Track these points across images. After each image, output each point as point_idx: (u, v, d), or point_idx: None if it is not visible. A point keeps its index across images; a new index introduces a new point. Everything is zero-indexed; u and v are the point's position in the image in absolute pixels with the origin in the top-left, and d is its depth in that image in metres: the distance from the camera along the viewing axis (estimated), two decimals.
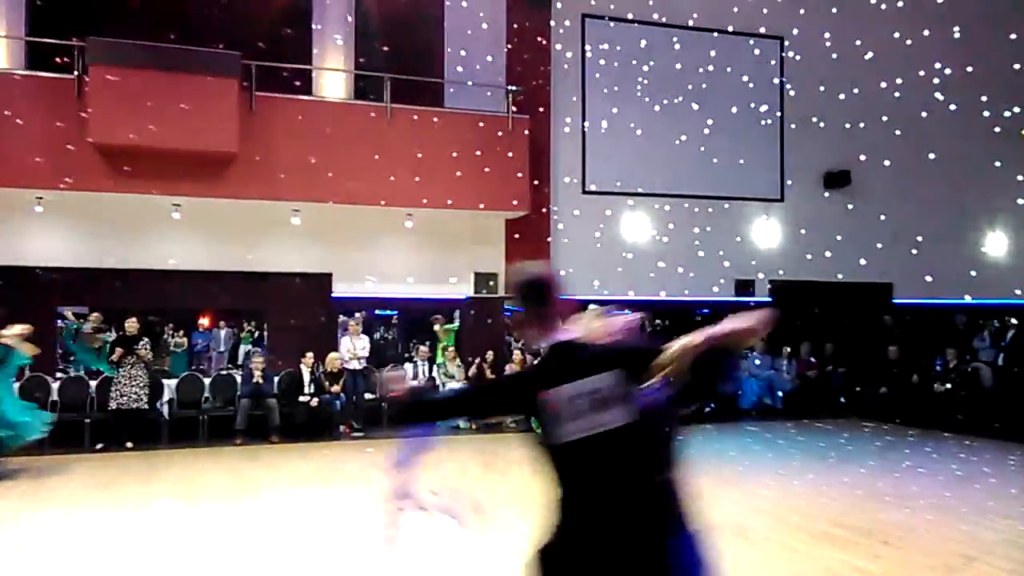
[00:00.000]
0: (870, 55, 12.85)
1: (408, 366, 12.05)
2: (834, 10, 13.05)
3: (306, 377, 10.80)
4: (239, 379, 10.93)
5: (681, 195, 13.68)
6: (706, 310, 14.31)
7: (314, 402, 10.63)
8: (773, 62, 14.33)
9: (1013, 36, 13.24)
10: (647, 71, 13.28)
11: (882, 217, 13.82)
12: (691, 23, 13.16)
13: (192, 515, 6.33)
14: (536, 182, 12.41)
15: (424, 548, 5.43)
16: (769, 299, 14.08)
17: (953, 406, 11.50)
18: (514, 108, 12.13)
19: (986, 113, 13.06)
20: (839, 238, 13.77)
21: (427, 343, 12.41)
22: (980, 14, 14.18)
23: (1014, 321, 13.31)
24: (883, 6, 12.33)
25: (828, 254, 13.37)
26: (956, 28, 12.80)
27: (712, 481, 7.44)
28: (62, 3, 11.00)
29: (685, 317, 14.16)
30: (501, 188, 11.76)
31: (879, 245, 13.75)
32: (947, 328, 13.47)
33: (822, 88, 13.46)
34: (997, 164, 13.96)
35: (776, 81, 14.27)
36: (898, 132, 13.42)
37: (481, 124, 11.73)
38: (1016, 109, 12.52)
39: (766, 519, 6.09)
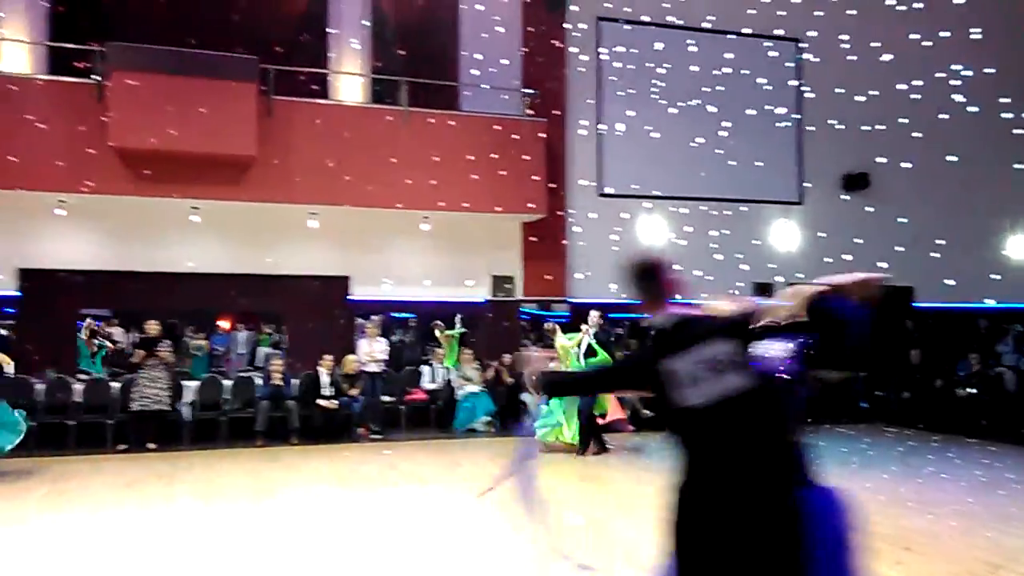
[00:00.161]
0: (888, 57, 12.76)
1: (425, 369, 12.06)
2: (851, 12, 12.99)
3: (324, 379, 10.84)
4: (259, 381, 10.99)
5: (698, 198, 13.64)
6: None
7: (332, 404, 10.67)
8: (790, 64, 14.27)
9: None
10: (663, 74, 13.25)
11: (902, 220, 13.71)
12: (707, 25, 13.13)
13: (213, 515, 6.37)
14: (552, 185, 12.42)
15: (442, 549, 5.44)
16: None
17: (976, 411, 11.38)
18: (530, 111, 12.16)
19: (1007, 115, 12.94)
20: (858, 241, 13.67)
21: (443, 346, 12.42)
22: (999, 15, 14.06)
23: None
24: (901, 7, 12.26)
25: (847, 257, 13.27)
26: (976, 29, 12.70)
27: None
28: (83, 9, 11.13)
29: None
30: (517, 191, 11.78)
31: (899, 248, 13.64)
32: (970, 332, 13.34)
33: (840, 90, 13.38)
34: (1018, 166, 13.82)
35: (793, 83, 14.20)
36: (917, 134, 13.30)
37: (497, 127, 11.75)
38: None
39: None
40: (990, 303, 13.30)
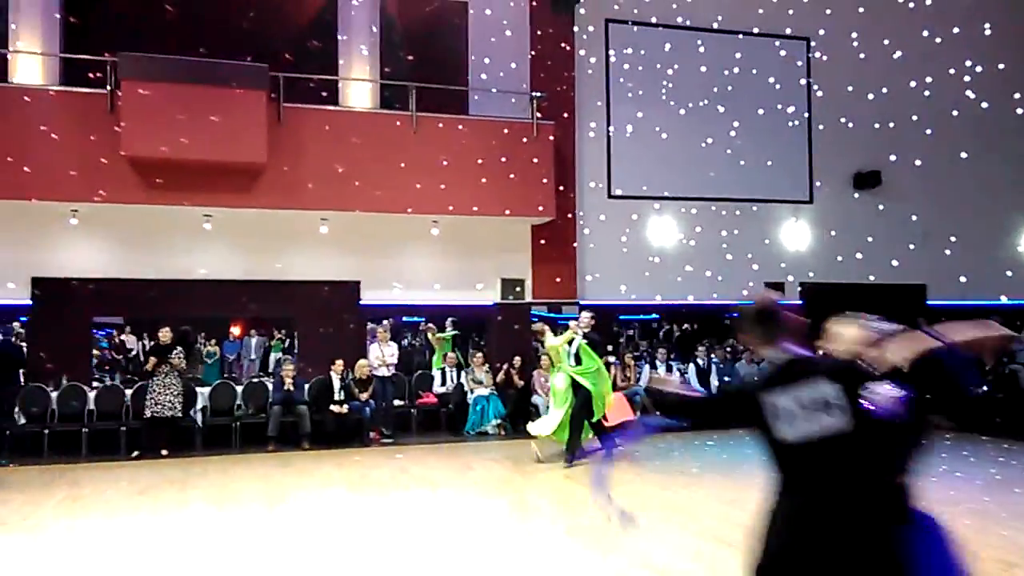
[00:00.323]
0: (898, 54, 12.68)
1: (436, 372, 12.08)
2: (861, 9, 12.90)
3: (336, 384, 10.87)
4: (270, 387, 11.04)
5: (708, 198, 13.60)
6: (735, 314, 14.20)
7: (344, 409, 10.70)
8: (800, 63, 14.21)
9: None
10: (672, 74, 13.23)
11: (914, 217, 13.62)
12: (715, 25, 13.10)
13: (227, 521, 6.40)
14: (561, 187, 12.42)
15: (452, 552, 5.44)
16: (800, 302, 13.93)
17: (991, 409, 11.27)
18: (539, 114, 12.16)
19: (1019, 110, 12.83)
20: (870, 239, 13.58)
21: (455, 350, 12.45)
22: (1010, 11, 13.96)
23: None
24: (911, 4, 12.18)
25: (859, 255, 13.20)
26: (987, 25, 12.60)
27: (746, 487, 7.37)
28: (95, 20, 11.23)
29: (714, 321, 14.07)
30: (526, 194, 11.78)
31: (911, 246, 13.55)
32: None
33: (850, 88, 13.30)
34: None
35: (803, 82, 14.15)
36: (929, 131, 13.21)
37: (506, 131, 11.76)
38: None
39: None
40: (1004, 300, 13.17)
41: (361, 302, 12.15)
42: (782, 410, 2.61)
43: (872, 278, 13.48)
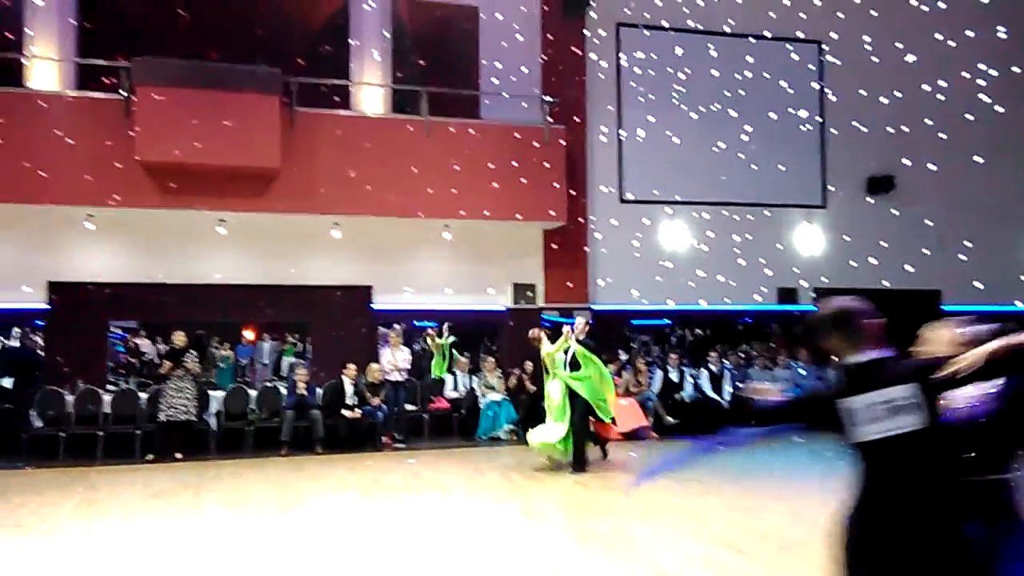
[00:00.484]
0: (912, 58, 12.63)
1: (448, 377, 12.09)
2: (873, 13, 12.86)
3: (348, 389, 10.90)
4: (284, 391, 11.08)
5: (720, 203, 13.55)
6: (748, 319, 14.16)
7: (356, 413, 10.73)
8: (812, 67, 14.15)
9: None
10: (683, 79, 13.21)
11: (928, 223, 13.53)
12: (727, 29, 13.08)
13: (240, 525, 6.43)
14: (573, 192, 12.41)
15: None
16: (814, 307, 13.86)
17: None
18: (550, 118, 12.17)
19: None
20: (884, 244, 13.50)
21: (467, 354, 12.44)
22: None
23: None
24: (925, 7, 12.12)
25: (873, 261, 13.13)
26: (1001, 28, 12.52)
27: (758, 495, 7.35)
28: (110, 26, 11.32)
29: (726, 326, 14.02)
30: (538, 198, 11.79)
31: (926, 251, 13.46)
32: (999, 335, 13.10)
33: (863, 92, 13.25)
34: None
35: (815, 86, 14.10)
36: (943, 136, 13.14)
37: (517, 135, 11.78)
38: None
39: (814, 534, 5.98)
40: (1019, 305, 13.07)
41: (373, 306, 12.18)
42: (862, 410, 2.72)
43: (886, 284, 13.39)
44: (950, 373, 2.60)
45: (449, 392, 11.99)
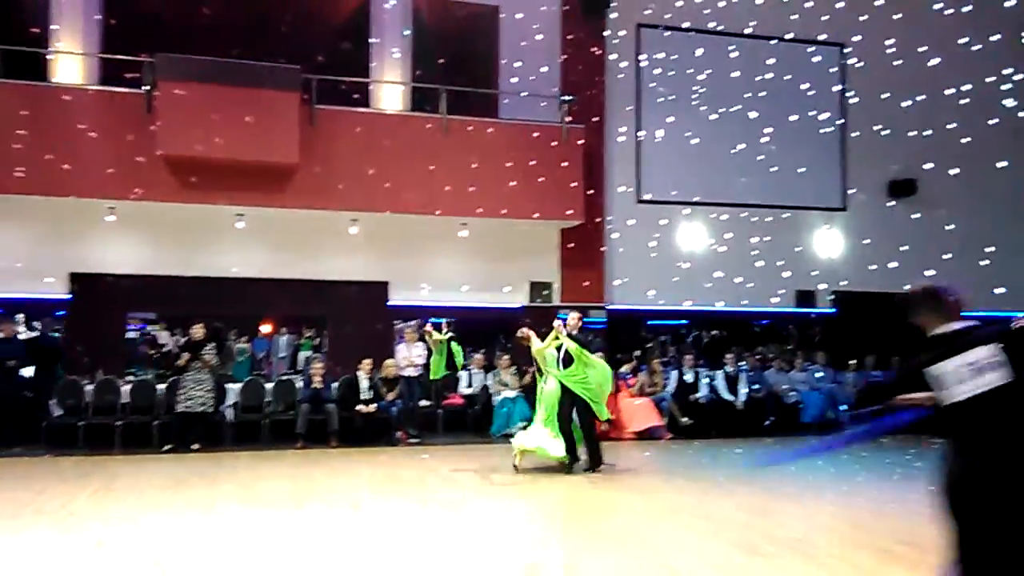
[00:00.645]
0: (935, 61, 12.51)
1: (462, 374, 12.10)
2: (897, 15, 12.75)
3: (363, 383, 10.95)
4: (299, 384, 11.15)
5: (739, 204, 13.50)
6: (765, 321, 14.08)
7: (371, 408, 10.78)
8: (834, 70, 14.07)
9: None
10: (703, 80, 13.18)
11: (950, 227, 13.40)
12: (748, 31, 13.03)
13: (255, 517, 6.47)
14: (591, 191, 12.41)
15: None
16: (832, 310, 13.78)
17: None
18: (568, 118, 12.17)
19: None
20: (904, 248, 13.38)
21: (482, 351, 12.46)
22: None
23: None
24: (948, 11, 12.00)
25: (893, 264, 13.01)
26: None
27: (773, 497, 7.31)
28: (133, 22, 11.44)
29: (743, 327, 13.96)
30: (555, 197, 11.80)
31: (947, 256, 13.31)
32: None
33: (885, 95, 13.15)
34: None
35: (837, 89, 13.99)
36: (966, 139, 13.01)
37: (535, 134, 11.79)
38: None
39: (829, 536, 5.95)
40: None
41: (389, 303, 12.23)
42: (949, 374, 3.10)
43: (907, 288, 13.23)
44: None
45: (463, 388, 12.01)
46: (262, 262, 11.72)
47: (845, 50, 14.01)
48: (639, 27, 13.36)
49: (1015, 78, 12.17)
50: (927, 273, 12.90)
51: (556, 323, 8.72)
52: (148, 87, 10.49)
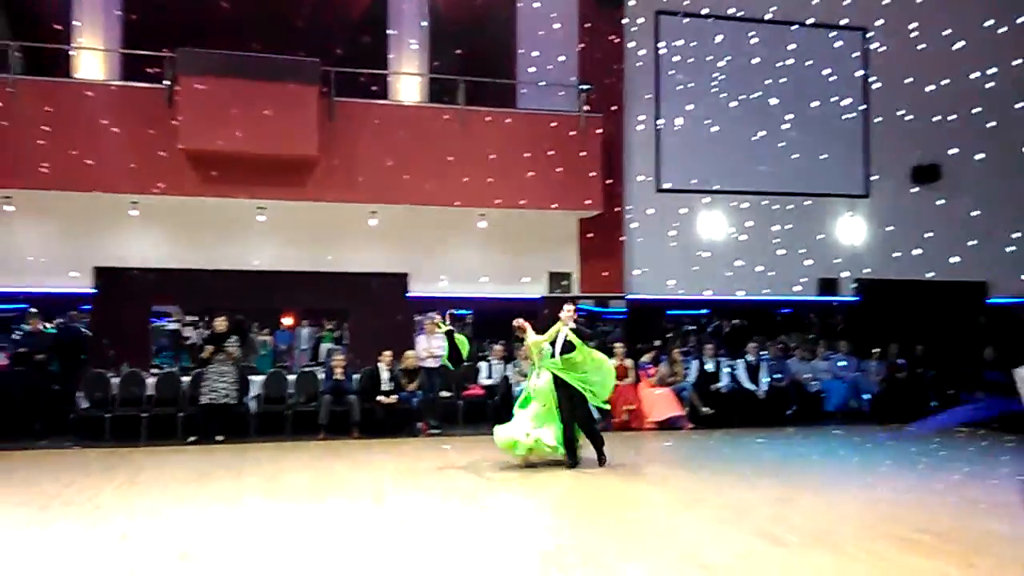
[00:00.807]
0: (960, 44, 12.31)
1: (482, 364, 12.13)
2: None
3: (384, 375, 11.01)
4: (321, 376, 11.24)
5: (759, 192, 13.38)
6: (788, 309, 13.97)
7: (392, 399, 10.84)
8: (856, 55, 13.88)
9: None
10: (723, 67, 13.06)
11: (975, 213, 13.21)
12: (768, 17, 12.87)
13: (280, 508, 6.54)
14: (609, 181, 12.36)
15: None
16: (855, 298, 13.63)
17: None
18: (587, 107, 12.12)
19: None
20: (929, 235, 13.21)
21: (502, 342, 12.46)
22: None
23: None
24: None
25: (917, 251, 12.86)
26: None
27: (795, 486, 7.28)
28: (154, 17, 11.53)
29: (765, 316, 13.86)
30: (574, 187, 11.76)
31: (972, 242, 13.14)
32: None
33: (909, 80, 12.96)
34: None
35: (859, 74, 13.81)
36: (991, 124, 12.80)
37: (554, 124, 11.75)
38: None
39: (852, 526, 5.91)
40: None
41: (409, 294, 12.27)
42: None
43: (931, 275, 13.10)
44: None
45: (483, 379, 12.04)
46: (283, 255, 11.80)
47: (868, 34, 13.82)
48: (657, 14, 13.25)
49: None
50: (951, 260, 12.78)
51: (563, 314, 8.35)
52: (169, 82, 10.57)
